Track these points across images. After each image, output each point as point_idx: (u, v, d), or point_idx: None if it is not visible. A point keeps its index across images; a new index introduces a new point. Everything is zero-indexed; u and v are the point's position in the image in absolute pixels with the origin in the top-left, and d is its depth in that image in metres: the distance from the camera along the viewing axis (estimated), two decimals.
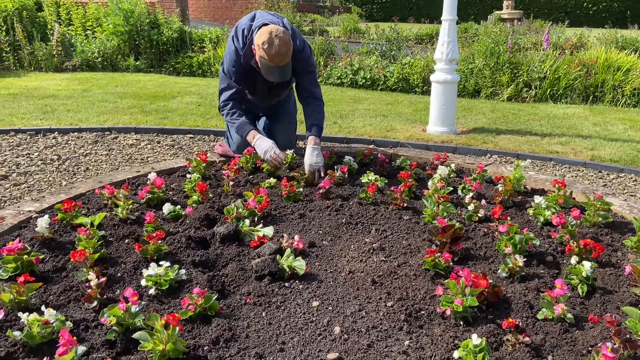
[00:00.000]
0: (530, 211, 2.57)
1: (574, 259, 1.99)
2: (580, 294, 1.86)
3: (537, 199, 2.55)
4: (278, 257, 2.04)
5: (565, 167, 4.50)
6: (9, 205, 3.04)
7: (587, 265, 1.86)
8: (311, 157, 3.10)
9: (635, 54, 7.59)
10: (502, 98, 7.21)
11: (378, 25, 10.70)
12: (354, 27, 13.59)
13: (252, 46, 3.10)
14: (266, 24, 3.05)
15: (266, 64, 2.98)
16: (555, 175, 4.31)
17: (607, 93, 6.92)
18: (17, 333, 1.55)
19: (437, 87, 5.40)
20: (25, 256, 1.97)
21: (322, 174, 3.09)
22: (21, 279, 1.76)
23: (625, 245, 2.23)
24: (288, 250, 2.05)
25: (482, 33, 8.02)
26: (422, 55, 8.00)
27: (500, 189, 2.73)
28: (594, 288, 1.90)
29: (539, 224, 2.49)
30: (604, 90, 6.98)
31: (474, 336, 1.49)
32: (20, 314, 1.60)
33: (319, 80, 8.09)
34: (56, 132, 4.99)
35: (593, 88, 7.03)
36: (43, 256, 2.09)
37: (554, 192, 2.70)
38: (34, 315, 1.57)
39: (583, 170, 4.45)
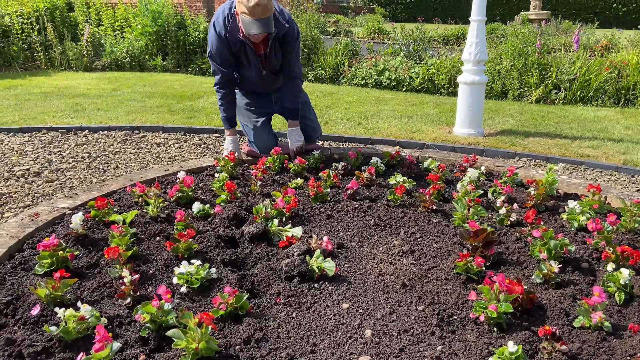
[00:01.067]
0: (564, 216, 2.52)
1: (610, 266, 1.94)
2: (618, 302, 1.81)
3: (572, 203, 2.50)
4: (307, 258, 2.03)
5: (597, 172, 4.39)
6: (42, 201, 3.11)
7: (625, 272, 1.81)
8: (294, 136, 3.55)
9: None
10: (531, 100, 7.09)
11: (404, 25, 10.64)
12: (378, 27, 13.53)
13: (234, 10, 3.18)
14: None
15: (247, 19, 3.04)
16: (587, 179, 4.21)
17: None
18: (53, 328, 1.58)
19: (465, 88, 5.33)
20: (61, 252, 2.00)
21: (302, 149, 3.54)
22: (57, 274, 1.80)
23: None
24: (317, 251, 2.05)
25: (509, 34, 7.90)
26: (449, 56, 7.92)
27: (532, 192, 2.69)
28: (632, 296, 1.85)
29: (572, 229, 2.43)
30: (636, 93, 6.81)
31: (510, 343, 1.46)
32: (56, 309, 1.63)
33: (343, 80, 8.08)
34: (87, 131, 5.08)
35: (625, 91, 6.86)
36: (77, 252, 2.13)
37: (588, 196, 2.64)
38: (70, 311, 1.60)
39: (615, 175, 4.34)
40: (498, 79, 7.35)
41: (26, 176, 3.69)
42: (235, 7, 3.19)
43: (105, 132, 5.12)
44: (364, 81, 7.85)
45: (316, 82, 8.27)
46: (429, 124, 5.83)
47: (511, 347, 1.45)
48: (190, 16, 8.94)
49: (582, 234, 2.38)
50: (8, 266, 2.02)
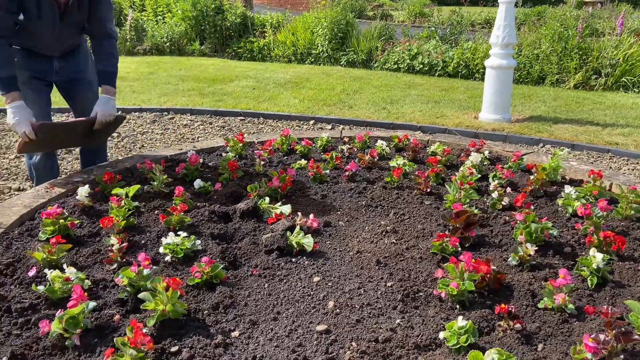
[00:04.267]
0: (560, 202, 2.48)
1: (592, 251, 1.90)
2: (590, 286, 1.79)
3: (568, 189, 2.45)
4: (288, 233, 2.11)
5: (623, 160, 4.22)
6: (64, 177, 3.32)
7: (599, 256, 1.78)
8: (103, 106, 2.85)
9: None
10: (569, 85, 6.83)
11: (440, 9, 10.42)
12: (419, 10, 13.29)
13: None
14: None
15: None
16: (611, 167, 4.05)
17: None
18: (40, 287, 1.73)
19: (491, 73, 5.22)
20: (62, 221, 2.17)
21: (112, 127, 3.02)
22: (53, 240, 1.96)
23: None
24: (298, 228, 2.12)
25: (550, 17, 7.60)
26: (486, 40, 7.72)
27: (532, 177, 2.65)
28: (605, 280, 1.82)
29: (567, 214, 2.39)
30: None
31: (459, 318, 1.49)
32: (46, 270, 1.78)
33: (375, 65, 8.03)
34: (119, 112, 5.34)
35: None
36: (79, 221, 2.29)
37: (590, 182, 2.57)
38: (57, 272, 1.75)
39: None
40: (536, 63, 7.11)
41: (57, 154, 3.94)
42: None
43: (137, 113, 5.35)
44: (396, 65, 7.78)
45: (348, 67, 8.26)
46: (455, 109, 5.75)
47: (460, 321, 1.48)
48: (227, 1, 9.10)
49: (575, 220, 2.33)
50: (16, 232, 2.20)
